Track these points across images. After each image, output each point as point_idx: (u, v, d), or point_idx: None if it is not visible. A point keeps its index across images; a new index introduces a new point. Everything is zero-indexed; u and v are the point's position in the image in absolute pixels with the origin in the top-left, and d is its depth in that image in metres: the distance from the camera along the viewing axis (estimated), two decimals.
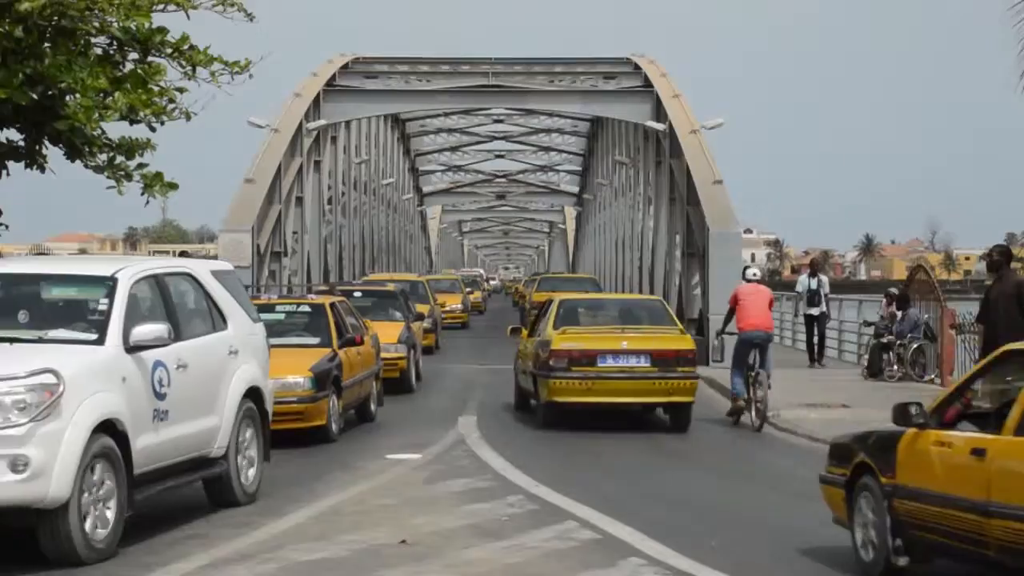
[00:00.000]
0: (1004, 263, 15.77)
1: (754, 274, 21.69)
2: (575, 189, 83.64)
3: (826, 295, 29.27)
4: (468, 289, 57.53)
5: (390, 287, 27.85)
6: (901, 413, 9.63)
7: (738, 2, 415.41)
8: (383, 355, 21.95)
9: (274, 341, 18.02)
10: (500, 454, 16.04)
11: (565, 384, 18.92)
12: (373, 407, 19.83)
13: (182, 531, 11.39)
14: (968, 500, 8.78)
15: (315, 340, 18.17)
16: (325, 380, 16.94)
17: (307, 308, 19.01)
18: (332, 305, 18.98)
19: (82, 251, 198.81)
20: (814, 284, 28.92)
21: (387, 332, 23.25)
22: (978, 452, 8.82)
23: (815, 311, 28.86)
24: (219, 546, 10.66)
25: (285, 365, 16.49)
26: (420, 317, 27.05)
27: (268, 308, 18.60)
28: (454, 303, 48.16)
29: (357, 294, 26.21)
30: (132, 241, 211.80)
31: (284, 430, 16.13)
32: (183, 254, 32.53)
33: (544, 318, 20.49)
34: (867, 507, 9.91)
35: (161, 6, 19.79)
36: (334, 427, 17.24)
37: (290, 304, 19.18)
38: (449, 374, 28.24)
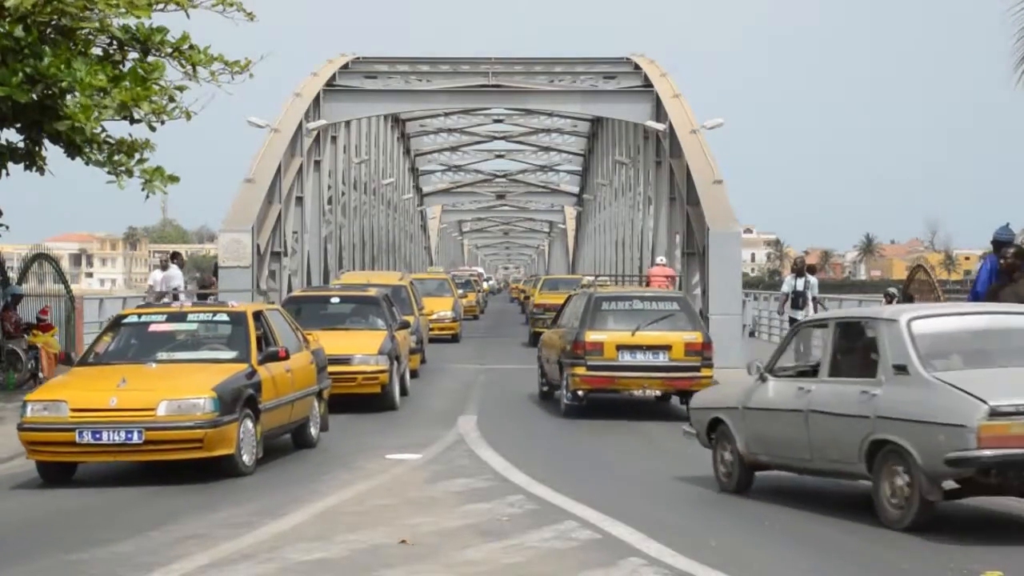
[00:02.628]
0: (1020, 265, 15.27)
1: (660, 260, 34.41)
2: (575, 189, 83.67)
3: (814, 298, 27.89)
4: (460, 292, 48.37)
5: (371, 292, 25.06)
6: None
7: (738, 2, 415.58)
8: (362, 368, 21.18)
9: (182, 356, 15.92)
10: (500, 454, 16.02)
11: (541, 320, 36.34)
12: (314, 432, 17.29)
13: (182, 531, 11.36)
14: (556, 359, 21.17)
15: (231, 354, 15.79)
16: (234, 401, 14.67)
17: (224, 317, 16.40)
18: (257, 314, 16.58)
19: (82, 251, 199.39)
20: (800, 285, 27.62)
21: (367, 342, 21.89)
22: (552, 336, 22.10)
23: (799, 314, 26.74)
24: (219, 546, 10.64)
25: (185, 384, 14.66)
26: (406, 325, 24.81)
27: (179, 317, 16.46)
28: (443, 309, 40.08)
29: (335, 300, 24.58)
30: (132, 241, 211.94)
31: (179, 461, 14.47)
32: (175, 255, 32.28)
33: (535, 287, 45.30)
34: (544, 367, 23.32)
35: (161, 5, 19.81)
36: (245, 457, 14.78)
37: (205, 313, 16.65)
38: (447, 374, 28.23)
